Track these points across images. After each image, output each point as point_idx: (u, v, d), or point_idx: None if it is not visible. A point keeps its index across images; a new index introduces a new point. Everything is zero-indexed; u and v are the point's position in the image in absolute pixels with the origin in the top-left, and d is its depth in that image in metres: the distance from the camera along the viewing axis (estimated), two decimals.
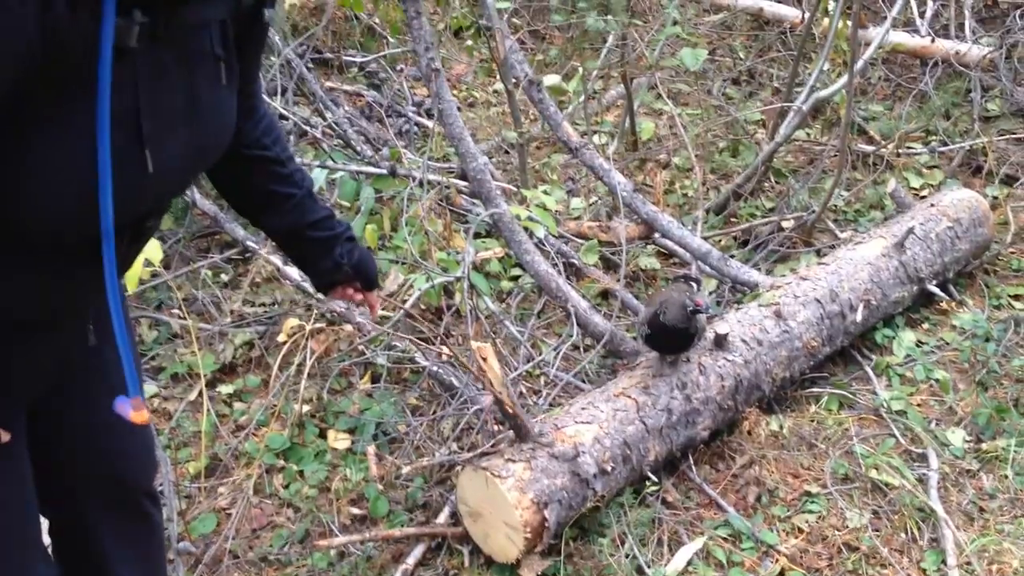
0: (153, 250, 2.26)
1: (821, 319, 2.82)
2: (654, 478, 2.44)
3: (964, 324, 3.13)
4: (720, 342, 2.62)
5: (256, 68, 1.53)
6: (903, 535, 2.38)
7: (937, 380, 2.90)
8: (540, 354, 2.89)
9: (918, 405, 2.83)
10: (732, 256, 3.26)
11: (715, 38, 5.03)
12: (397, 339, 2.84)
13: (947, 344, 3.08)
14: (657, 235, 3.41)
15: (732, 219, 3.70)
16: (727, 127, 4.22)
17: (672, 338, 2.48)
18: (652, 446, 2.43)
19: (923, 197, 3.69)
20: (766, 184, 3.88)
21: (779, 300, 2.80)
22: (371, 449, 2.65)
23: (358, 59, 4.62)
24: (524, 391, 2.79)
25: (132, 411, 1.32)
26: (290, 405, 2.75)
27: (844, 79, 3.39)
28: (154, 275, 3.05)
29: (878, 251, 3.05)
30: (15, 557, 1.45)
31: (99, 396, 1.55)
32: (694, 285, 2.73)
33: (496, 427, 2.53)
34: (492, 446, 2.34)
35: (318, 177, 3.29)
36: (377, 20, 4.84)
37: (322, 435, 2.74)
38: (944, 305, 3.23)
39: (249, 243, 3.27)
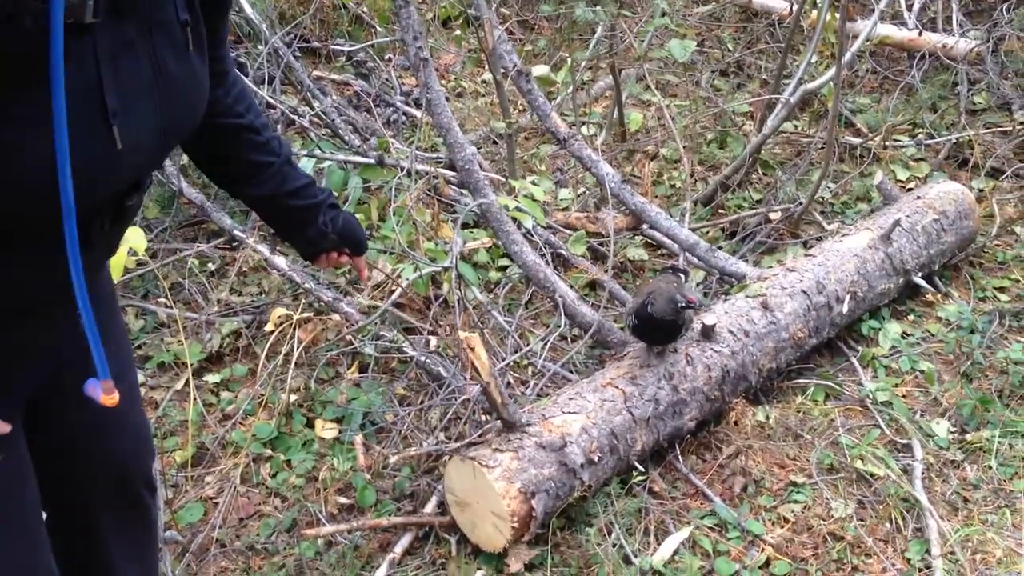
0: (138, 239, 2.24)
1: (808, 310, 2.83)
2: (641, 468, 2.45)
3: (949, 316, 3.15)
4: (707, 333, 2.62)
5: (224, 31, 1.49)
6: (888, 525, 2.40)
7: (922, 371, 2.92)
8: (528, 344, 2.90)
9: (903, 396, 2.85)
10: (719, 247, 3.27)
11: (703, 29, 5.03)
12: (385, 329, 2.83)
13: (932, 336, 3.10)
14: (645, 226, 3.41)
15: (720, 210, 3.70)
16: (715, 118, 4.22)
17: (659, 329, 2.48)
18: (639, 436, 2.44)
19: (909, 189, 3.71)
20: (754, 176, 3.89)
21: (766, 291, 2.81)
22: (358, 439, 2.65)
23: (346, 48, 4.61)
24: (512, 381, 2.80)
25: (103, 394, 1.30)
26: (277, 394, 2.74)
27: (832, 71, 3.39)
28: (140, 264, 3.04)
29: (864, 243, 3.06)
30: (19, 548, 1.44)
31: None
32: (682, 276, 2.74)
33: (484, 417, 2.53)
34: (480, 436, 2.35)
35: (306, 166, 3.28)
36: (365, 9, 4.82)
37: (309, 424, 2.74)
38: (930, 297, 3.25)
39: (236, 232, 3.26)
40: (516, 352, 2.84)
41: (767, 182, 3.85)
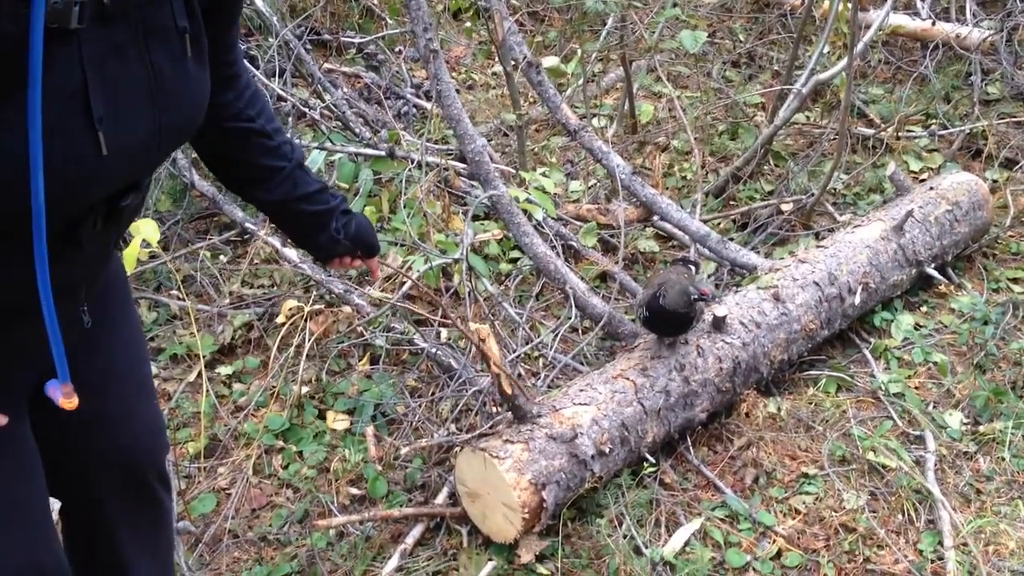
0: (150, 231, 2.25)
1: (819, 302, 2.82)
2: (652, 459, 2.45)
3: (962, 307, 3.13)
4: (718, 324, 2.62)
5: (233, 36, 1.48)
6: (900, 517, 2.39)
7: (935, 363, 2.91)
8: (539, 336, 2.90)
9: (916, 388, 2.84)
10: (731, 239, 3.26)
11: (715, 20, 5.01)
12: (396, 321, 2.84)
13: (945, 327, 3.08)
14: (656, 218, 3.41)
15: (731, 202, 3.69)
16: (726, 110, 4.21)
17: (671, 322, 2.48)
18: (650, 428, 2.44)
19: (922, 180, 3.69)
20: (765, 167, 3.88)
21: (777, 283, 2.81)
22: (370, 430, 2.66)
23: (356, 40, 4.61)
24: (523, 373, 2.80)
25: (62, 397, 1.30)
26: (289, 386, 2.75)
27: (844, 62, 3.37)
28: (153, 256, 3.05)
29: (877, 234, 3.05)
30: (23, 538, 1.45)
31: (104, 382, 1.54)
32: (692, 268, 2.73)
33: (494, 408, 2.53)
34: (490, 427, 2.35)
35: (316, 159, 3.29)
36: (375, 1, 4.82)
37: (321, 416, 2.75)
38: (943, 288, 3.23)
39: (248, 225, 3.27)
40: (527, 344, 2.84)
41: (779, 173, 3.84)
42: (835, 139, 3.79)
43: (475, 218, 3.33)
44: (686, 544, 2.32)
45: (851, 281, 2.90)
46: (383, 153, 3.33)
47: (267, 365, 2.87)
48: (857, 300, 2.90)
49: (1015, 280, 3.32)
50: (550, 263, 2.88)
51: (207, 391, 2.67)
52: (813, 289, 2.82)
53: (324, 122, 3.71)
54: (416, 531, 2.34)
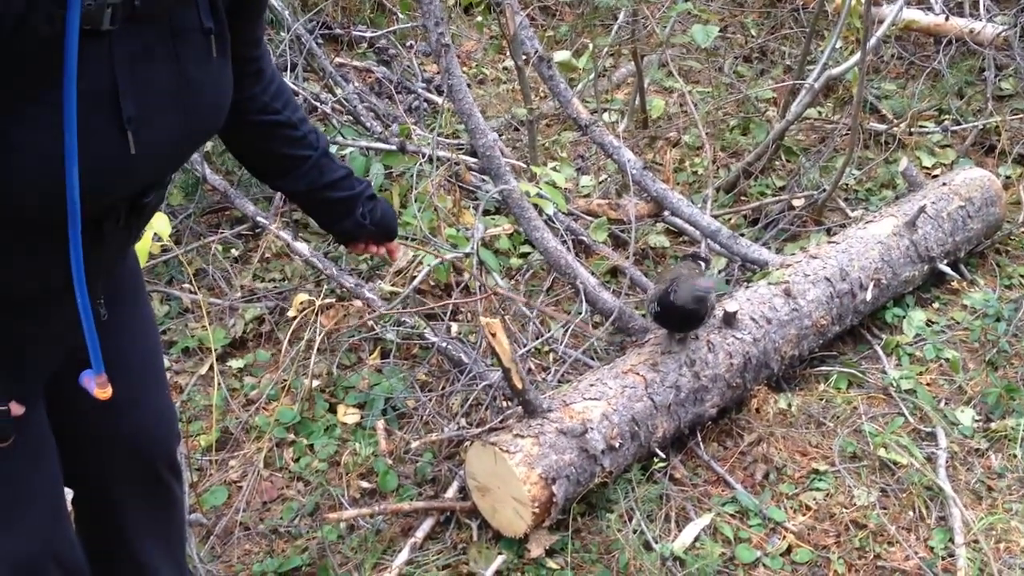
0: (163, 225, 2.26)
1: (831, 298, 2.81)
2: (662, 455, 2.45)
3: (975, 304, 3.12)
4: (729, 320, 2.62)
5: (258, 32, 1.50)
6: (911, 513, 2.39)
7: (947, 359, 2.90)
8: (549, 331, 2.90)
9: (927, 384, 2.83)
10: (742, 234, 3.25)
11: (726, 15, 4.99)
12: (406, 315, 2.84)
13: (957, 323, 3.07)
14: (667, 213, 3.40)
15: (742, 197, 3.68)
16: (738, 105, 4.19)
17: (682, 317, 2.47)
18: (660, 423, 2.44)
19: (935, 176, 3.67)
20: (777, 162, 3.86)
21: (788, 278, 2.80)
22: (380, 424, 2.66)
23: (368, 35, 4.61)
24: (533, 368, 2.80)
25: (96, 388, 1.32)
26: (300, 380, 2.76)
27: (857, 57, 3.36)
28: (165, 250, 3.07)
29: (889, 230, 3.04)
30: (37, 523, 1.46)
31: (116, 372, 1.55)
32: (703, 264, 2.73)
33: (505, 403, 2.54)
34: (501, 422, 2.36)
35: None
36: None
37: (332, 410, 2.75)
38: (955, 284, 3.22)
39: (259, 219, 3.28)
40: (537, 339, 2.84)
41: (790, 169, 3.83)
42: (847, 134, 3.78)
43: (486, 213, 3.33)
44: (696, 539, 2.32)
45: (863, 277, 2.89)
46: (394, 147, 3.33)
47: (278, 359, 2.88)
48: (869, 296, 2.89)
49: None
50: (561, 258, 2.88)
51: (219, 384, 2.68)
52: (824, 285, 2.81)
53: (335, 116, 3.71)
54: (426, 525, 2.34)
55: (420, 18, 3.28)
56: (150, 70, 1.21)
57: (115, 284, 1.52)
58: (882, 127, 4.03)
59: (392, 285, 2.98)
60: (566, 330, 2.86)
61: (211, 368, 2.78)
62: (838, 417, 2.68)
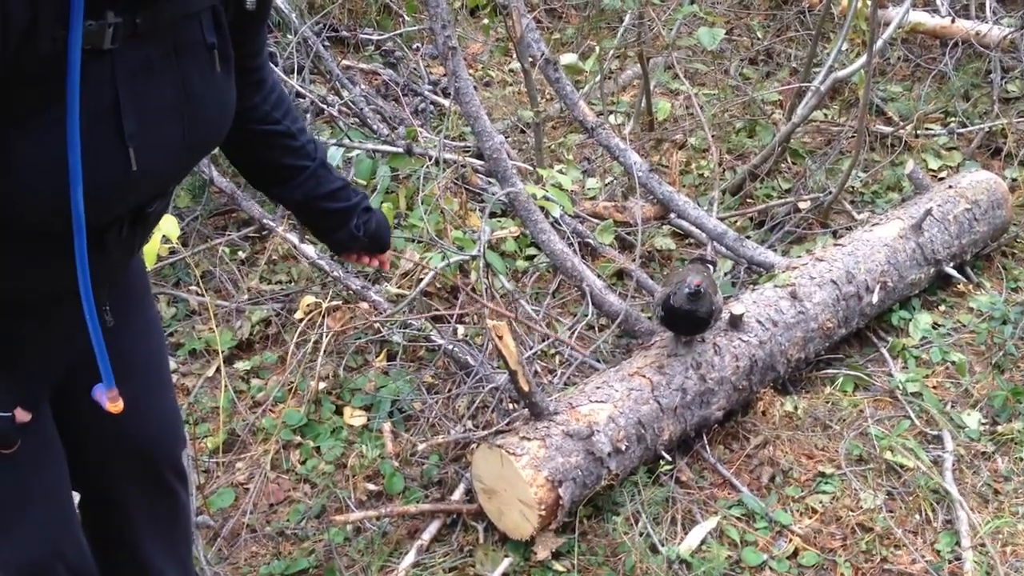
0: (171, 227, 2.27)
1: (837, 300, 2.81)
2: (668, 457, 2.45)
3: (981, 306, 3.11)
4: (735, 322, 2.62)
5: (261, 43, 1.51)
6: (917, 516, 2.39)
7: (953, 362, 2.90)
8: (555, 333, 2.90)
9: (934, 387, 2.82)
10: (748, 237, 3.25)
11: (732, 17, 4.99)
12: (412, 317, 2.85)
13: (964, 326, 3.07)
14: (673, 215, 3.40)
15: (748, 200, 3.68)
16: (744, 107, 4.19)
17: (686, 321, 2.48)
18: (666, 425, 2.44)
19: (941, 179, 3.67)
20: (783, 165, 3.86)
21: (795, 281, 2.80)
22: (387, 426, 2.67)
23: (374, 37, 4.61)
24: (539, 370, 2.80)
25: (108, 402, 1.32)
26: (306, 382, 2.77)
27: (863, 59, 3.36)
28: (172, 252, 3.07)
29: (895, 233, 3.03)
30: (44, 525, 1.47)
31: (121, 376, 1.56)
32: (711, 267, 2.73)
33: (511, 405, 2.54)
34: (507, 424, 2.36)
35: (335, 155, 3.30)
36: None
37: (338, 412, 2.76)
38: (961, 287, 3.22)
39: (266, 221, 3.28)
40: (543, 341, 2.84)
41: (796, 171, 3.83)
42: (853, 137, 3.78)
43: (492, 215, 3.33)
44: (702, 542, 2.32)
45: (869, 280, 2.89)
46: (401, 150, 3.34)
47: (285, 361, 2.88)
48: (875, 299, 2.89)
49: None
50: (567, 260, 2.88)
51: (225, 386, 2.69)
52: (830, 287, 2.81)
53: (342, 119, 3.72)
54: (433, 527, 2.35)
55: (427, 21, 3.29)
56: (152, 86, 1.21)
57: (120, 290, 1.52)
58: (888, 129, 4.03)
59: (398, 287, 2.98)
60: (572, 332, 2.86)
61: (218, 370, 2.79)
62: (844, 420, 2.67)
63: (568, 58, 3.73)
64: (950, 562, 2.26)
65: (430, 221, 2.93)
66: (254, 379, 2.90)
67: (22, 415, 1.35)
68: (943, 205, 3.17)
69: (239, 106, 1.42)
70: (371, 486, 2.51)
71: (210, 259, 3.27)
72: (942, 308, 3.16)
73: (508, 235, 3.29)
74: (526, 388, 2.25)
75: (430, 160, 3.16)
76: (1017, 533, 2.32)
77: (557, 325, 2.98)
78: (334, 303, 2.95)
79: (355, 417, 2.73)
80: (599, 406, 2.36)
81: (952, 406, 2.75)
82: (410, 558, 2.26)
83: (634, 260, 3.11)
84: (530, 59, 3.37)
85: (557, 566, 2.25)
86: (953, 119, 4.13)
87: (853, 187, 3.70)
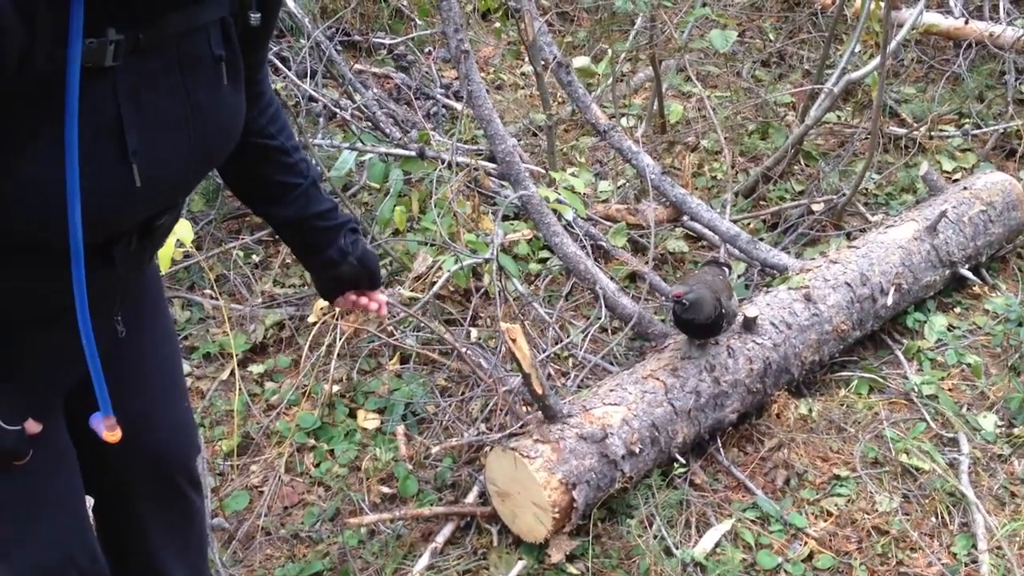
0: (185, 231, 2.28)
1: (851, 303, 2.80)
2: (682, 460, 2.45)
3: (997, 308, 3.10)
4: (749, 325, 2.61)
5: (262, 56, 1.48)
6: (933, 519, 2.37)
7: (969, 364, 2.88)
8: (568, 336, 2.90)
9: (949, 389, 2.81)
10: (761, 239, 3.25)
11: (745, 19, 4.98)
12: (426, 321, 2.85)
13: (979, 328, 3.05)
14: (685, 218, 3.40)
15: (761, 202, 3.68)
16: (757, 109, 4.19)
17: (684, 327, 2.48)
18: (680, 428, 2.43)
19: (956, 180, 3.65)
20: (796, 167, 3.85)
21: (809, 283, 2.79)
22: (400, 429, 2.67)
23: (386, 41, 4.63)
24: (552, 373, 2.80)
25: (105, 430, 1.30)
26: (320, 385, 2.77)
27: (876, 61, 3.35)
28: (186, 256, 3.08)
29: (910, 234, 3.02)
30: (58, 534, 1.47)
31: (133, 385, 1.56)
32: (726, 270, 2.73)
33: (525, 408, 2.54)
34: (520, 427, 2.36)
35: (347, 159, 3.31)
36: (405, 2, 4.84)
37: (352, 415, 2.76)
38: (976, 289, 3.20)
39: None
40: (557, 344, 2.84)
41: (810, 173, 3.81)
42: (867, 139, 3.76)
43: (505, 218, 3.33)
44: (717, 545, 2.31)
45: (883, 282, 2.88)
46: (413, 153, 3.34)
47: (299, 364, 2.89)
48: (889, 301, 2.88)
49: None
50: (580, 263, 2.88)
51: (240, 389, 2.70)
52: (845, 290, 2.80)
53: (355, 122, 3.73)
54: (447, 530, 2.35)
55: (439, 24, 3.30)
56: (156, 101, 1.19)
57: (133, 298, 1.52)
58: (902, 131, 4.01)
59: (412, 291, 2.99)
60: (586, 335, 2.86)
61: (232, 373, 2.80)
62: (859, 423, 2.66)
63: (580, 61, 3.74)
64: (966, 565, 2.25)
65: (443, 224, 2.94)
66: (268, 382, 2.91)
67: (33, 427, 1.35)
68: (958, 207, 3.15)
69: None
70: (385, 489, 2.51)
71: (224, 263, 3.29)
72: (957, 310, 3.14)
73: (521, 238, 3.29)
74: (540, 391, 2.25)
75: (443, 163, 3.16)
76: None
77: (570, 328, 2.98)
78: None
79: (369, 420, 2.74)
80: (613, 409, 2.36)
81: (968, 408, 2.74)
82: (424, 561, 2.26)
83: (647, 263, 3.11)
84: (542, 62, 3.37)
85: (571, 569, 2.25)
86: (967, 120, 4.11)
87: (867, 189, 3.69)
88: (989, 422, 2.66)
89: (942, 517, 2.37)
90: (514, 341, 2.20)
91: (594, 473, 2.26)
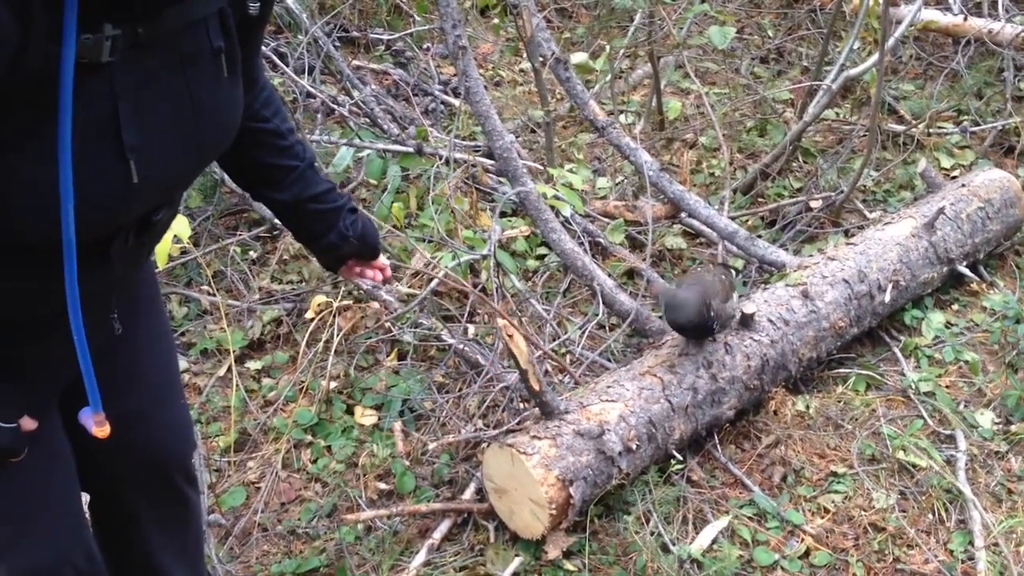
0: (182, 227, 2.27)
1: (849, 299, 2.80)
2: (679, 456, 2.45)
3: (994, 305, 3.10)
4: (747, 321, 2.61)
5: (258, 44, 1.48)
6: (930, 516, 2.37)
7: (966, 361, 2.88)
8: (566, 332, 2.90)
9: (947, 386, 2.81)
10: (759, 236, 3.24)
11: (743, 16, 4.98)
12: (423, 317, 2.85)
13: (977, 325, 3.05)
14: (684, 215, 3.40)
15: (759, 199, 3.67)
16: (755, 106, 4.18)
17: (671, 327, 2.48)
18: (677, 425, 2.43)
19: (954, 177, 3.65)
20: (794, 164, 3.85)
21: (806, 280, 2.79)
22: (397, 425, 2.67)
23: (384, 37, 4.62)
24: (549, 369, 2.80)
25: (95, 426, 1.30)
26: (318, 381, 2.77)
27: (875, 57, 3.34)
28: (183, 252, 3.08)
29: (907, 231, 3.02)
30: (53, 532, 1.47)
31: (129, 383, 1.56)
32: (731, 272, 2.73)
33: (522, 404, 2.54)
34: (518, 423, 2.36)
35: (345, 155, 3.30)
36: None
37: (349, 411, 2.76)
38: (974, 286, 3.20)
39: (277, 221, 3.29)
40: (554, 340, 2.84)
41: (808, 170, 3.81)
42: (865, 135, 3.76)
43: (503, 214, 3.33)
44: (714, 542, 2.31)
45: (881, 279, 2.88)
46: (411, 149, 3.34)
47: (296, 360, 2.89)
48: (887, 298, 2.88)
49: None
50: (577, 259, 2.88)
51: (237, 385, 2.70)
52: (842, 287, 2.80)
53: (353, 119, 3.73)
54: (443, 526, 2.35)
55: (437, 20, 3.29)
56: (155, 96, 1.18)
57: (129, 296, 1.51)
58: (900, 128, 4.01)
59: (409, 287, 2.98)
60: (583, 331, 2.86)
61: (229, 370, 2.80)
62: (856, 419, 2.66)
63: (578, 57, 3.73)
64: (963, 562, 2.25)
65: (440, 221, 2.93)
66: (265, 378, 2.90)
67: (28, 424, 1.34)
68: (956, 204, 3.15)
69: None
70: (382, 485, 2.51)
71: (221, 259, 3.28)
72: (955, 307, 3.14)
73: (519, 234, 3.29)
74: (537, 387, 2.25)
75: (440, 160, 3.16)
76: None
77: (568, 324, 2.98)
78: (345, 303, 2.95)
79: (366, 416, 2.73)
80: (610, 405, 2.36)
81: (965, 405, 2.74)
82: (421, 557, 2.26)
83: (645, 259, 3.10)
84: (540, 58, 3.37)
85: (568, 565, 2.25)
86: (966, 117, 4.11)
87: (865, 186, 3.69)
88: (986, 419, 2.67)
89: (939, 514, 2.37)
90: (511, 337, 2.20)
91: (591, 469, 2.26)
